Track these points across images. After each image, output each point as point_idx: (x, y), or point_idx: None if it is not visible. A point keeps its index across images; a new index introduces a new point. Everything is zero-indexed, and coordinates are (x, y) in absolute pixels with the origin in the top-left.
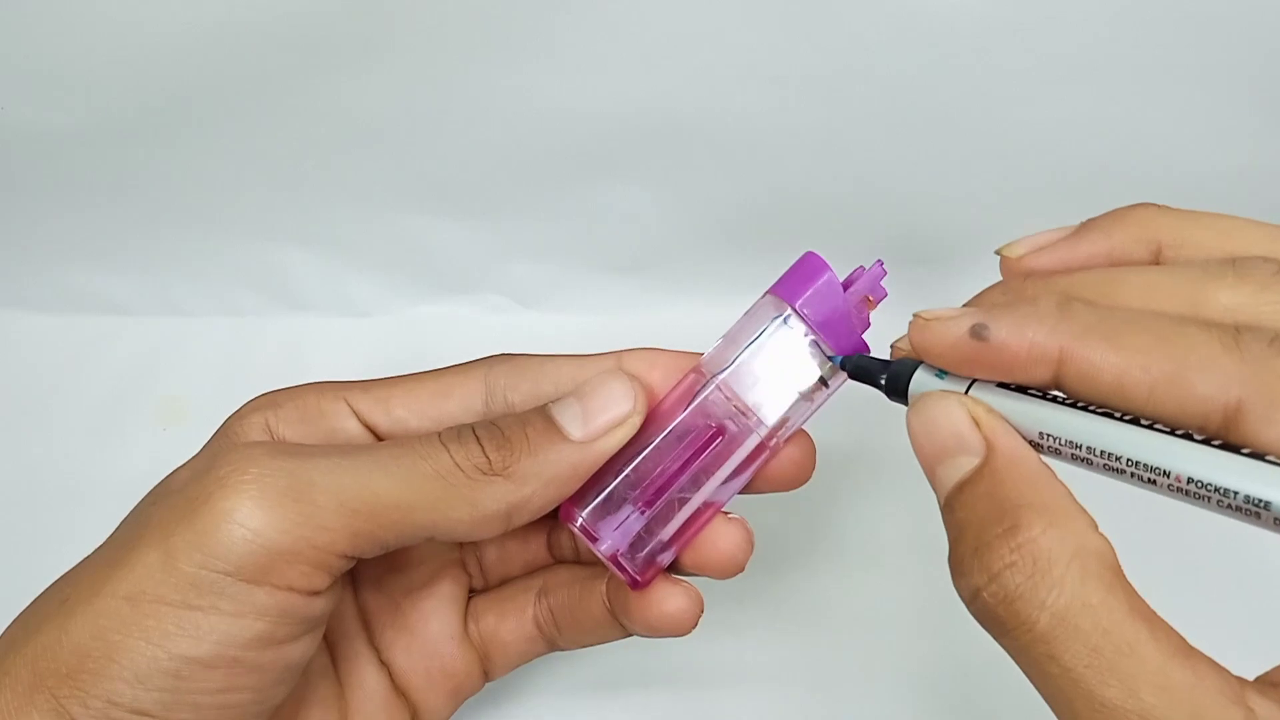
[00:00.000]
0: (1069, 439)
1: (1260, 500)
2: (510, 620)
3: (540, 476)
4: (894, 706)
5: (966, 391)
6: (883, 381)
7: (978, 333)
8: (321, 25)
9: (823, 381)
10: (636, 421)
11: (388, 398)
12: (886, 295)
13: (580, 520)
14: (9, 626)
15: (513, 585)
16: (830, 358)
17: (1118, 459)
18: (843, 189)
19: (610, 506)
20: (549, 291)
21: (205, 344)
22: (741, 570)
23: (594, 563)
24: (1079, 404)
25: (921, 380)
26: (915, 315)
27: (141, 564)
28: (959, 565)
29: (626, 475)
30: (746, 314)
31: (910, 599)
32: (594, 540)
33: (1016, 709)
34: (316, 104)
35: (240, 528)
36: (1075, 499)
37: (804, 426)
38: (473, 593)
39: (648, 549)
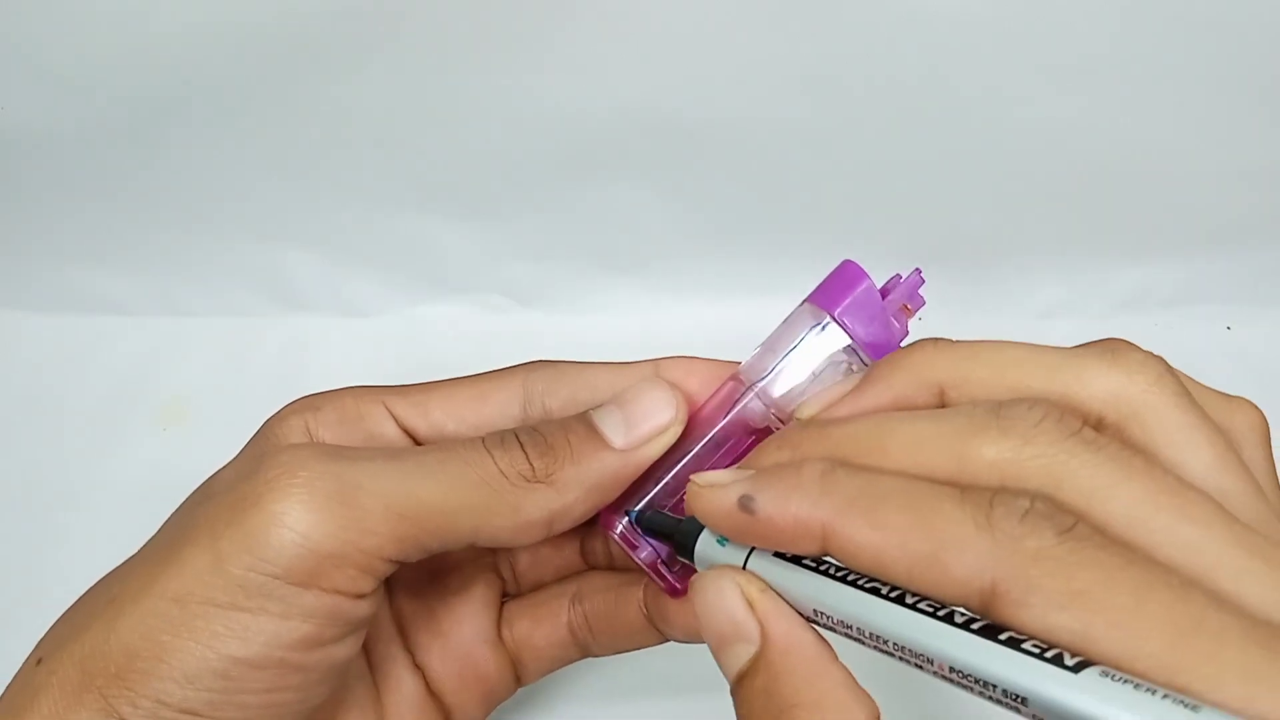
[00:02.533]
0: (840, 617)
1: (1017, 693)
2: (544, 625)
3: (582, 484)
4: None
5: (745, 560)
6: (674, 540)
7: (745, 504)
8: (322, 25)
9: None
10: (677, 430)
11: (425, 401)
12: (925, 304)
13: (619, 528)
14: (54, 625)
15: (547, 590)
16: (866, 363)
17: (885, 641)
18: (843, 189)
19: (649, 516)
20: (549, 291)
21: (205, 344)
22: None
23: (629, 568)
24: (853, 577)
25: (705, 546)
26: (691, 480)
27: (190, 565)
28: None
29: (666, 483)
30: (785, 322)
31: None
32: (633, 548)
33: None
34: (317, 104)
35: (289, 531)
36: (855, 687)
37: None
38: (505, 597)
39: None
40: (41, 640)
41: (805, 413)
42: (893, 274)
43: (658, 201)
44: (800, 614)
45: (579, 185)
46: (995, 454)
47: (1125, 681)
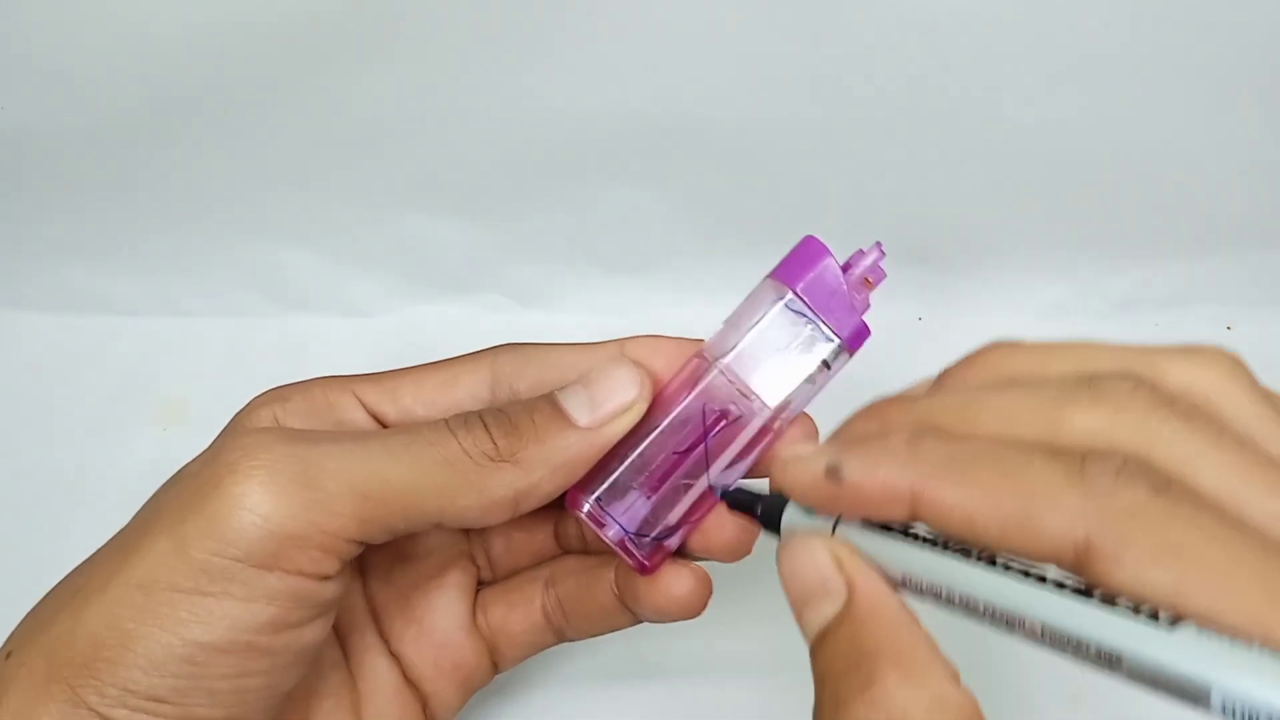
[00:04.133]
0: (929, 581)
1: (1111, 653)
2: (519, 610)
3: (547, 463)
4: None
5: (834, 529)
6: (759, 514)
7: (832, 473)
8: (322, 25)
9: (825, 364)
10: (642, 408)
11: (395, 388)
12: (885, 277)
13: (586, 507)
14: (24, 619)
15: (520, 576)
16: (830, 339)
17: (975, 603)
18: (843, 189)
19: (616, 492)
20: (549, 291)
21: (205, 344)
22: (749, 553)
23: (601, 551)
24: (941, 542)
25: (791, 518)
26: (775, 454)
27: (153, 551)
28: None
29: (632, 461)
30: (747, 299)
31: None
32: (600, 526)
33: (1017, 701)
34: (317, 104)
35: (250, 514)
36: (936, 648)
37: (806, 409)
38: (481, 585)
39: (654, 534)
40: (12, 633)
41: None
42: (895, 274)
43: (658, 201)
44: (888, 581)
45: (579, 185)
46: (1087, 421)
47: (1221, 637)
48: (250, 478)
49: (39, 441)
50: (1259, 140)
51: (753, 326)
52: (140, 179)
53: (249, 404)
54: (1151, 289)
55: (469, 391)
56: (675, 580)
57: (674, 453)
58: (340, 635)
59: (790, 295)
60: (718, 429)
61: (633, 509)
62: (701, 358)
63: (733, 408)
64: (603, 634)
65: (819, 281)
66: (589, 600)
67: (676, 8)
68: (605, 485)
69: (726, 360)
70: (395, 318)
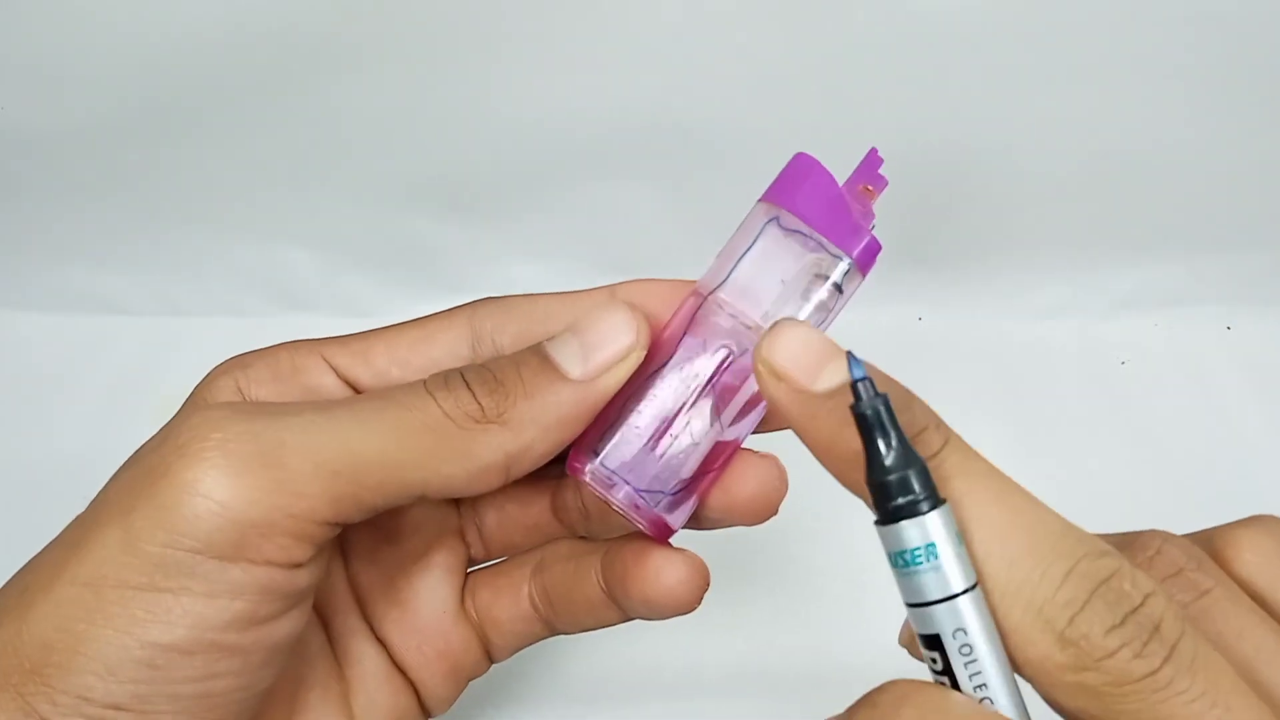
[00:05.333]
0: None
1: None
2: (505, 597)
3: (539, 421)
4: None
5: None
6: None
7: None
8: (322, 26)
9: (836, 287)
10: (639, 355)
11: (367, 350)
12: (888, 184)
13: (589, 469)
14: None
15: (510, 561)
16: (837, 257)
17: None
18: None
19: (621, 450)
20: (549, 291)
21: (205, 344)
22: (774, 513)
23: (598, 534)
24: None
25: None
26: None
27: (100, 545)
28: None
29: (634, 414)
30: (740, 227)
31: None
32: (608, 487)
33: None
34: (317, 104)
35: (205, 500)
36: None
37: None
38: (473, 566)
39: (668, 491)
40: None
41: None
42: (896, 274)
43: (658, 201)
44: None
45: (579, 185)
46: None
47: None
48: (203, 460)
49: (39, 441)
50: (1259, 140)
51: (746, 252)
52: (140, 179)
53: (209, 374)
54: (1151, 289)
55: (447, 349)
56: (666, 567)
57: (680, 401)
58: (323, 620)
59: (783, 213)
60: (724, 367)
61: (640, 467)
62: (697, 294)
63: (734, 345)
64: (594, 628)
65: (815, 196)
66: (575, 591)
67: (676, 8)
68: (609, 444)
69: (722, 293)
70: (395, 318)
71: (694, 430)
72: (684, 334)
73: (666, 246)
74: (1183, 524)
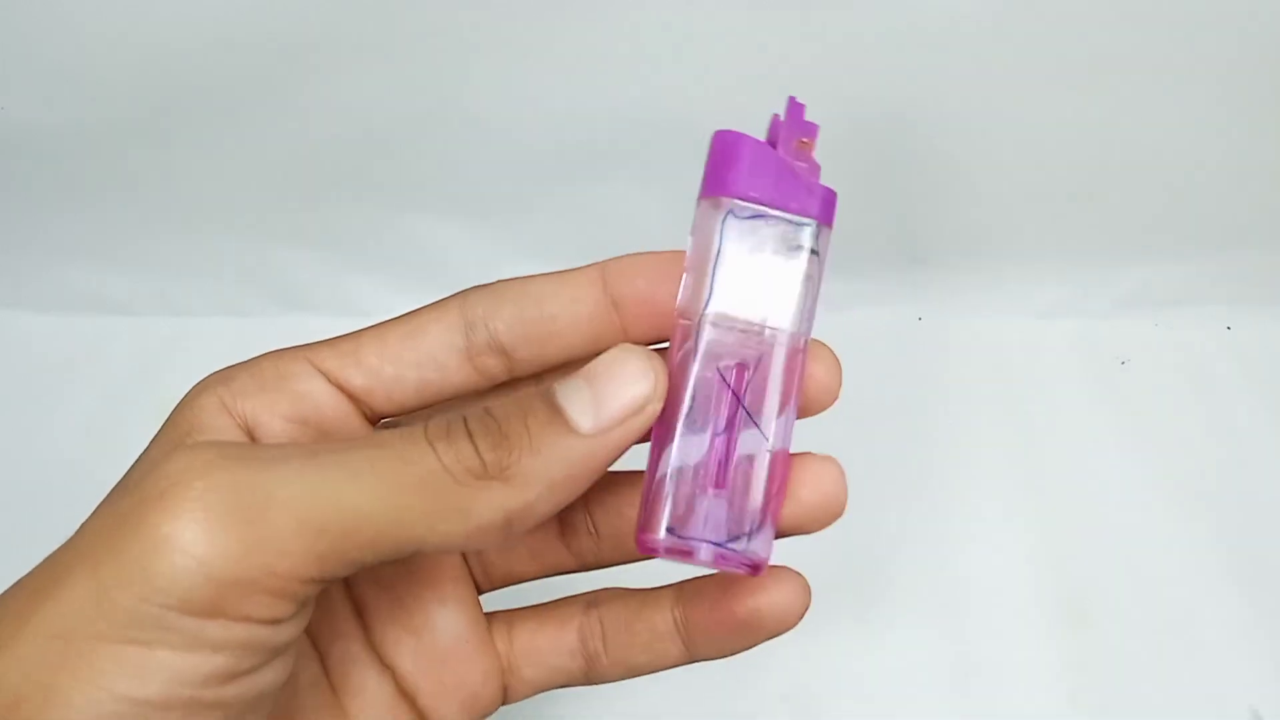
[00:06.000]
0: None
1: None
2: (550, 628)
3: (544, 478)
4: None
5: None
6: None
7: None
8: (322, 26)
9: (813, 252)
10: (656, 408)
11: (356, 349)
12: (819, 129)
13: (662, 544)
14: None
15: (562, 599)
16: (802, 224)
17: None
18: (842, 189)
19: (684, 509)
20: None
21: (205, 344)
22: (842, 513)
23: (606, 563)
24: None
25: None
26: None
27: (71, 597)
28: None
29: (680, 463)
30: (693, 233)
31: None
32: (687, 555)
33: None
34: (316, 104)
35: (183, 556)
36: None
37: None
38: (481, 593)
39: (748, 530)
40: None
41: None
42: (896, 274)
43: (658, 202)
44: None
45: (579, 185)
46: None
47: None
48: (182, 513)
49: (39, 442)
50: (1259, 140)
51: (717, 259)
52: (140, 179)
53: (190, 392)
54: (1151, 289)
55: (441, 340)
56: (771, 586)
57: (719, 435)
58: (319, 648)
59: (735, 203)
60: (747, 383)
61: (712, 516)
62: (684, 319)
63: (747, 355)
64: (643, 670)
65: (758, 172)
66: (637, 621)
67: (676, 8)
68: (668, 507)
69: (712, 309)
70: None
71: (745, 457)
72: (691, 365)
73: (666, 247)
74: (1182, 524)
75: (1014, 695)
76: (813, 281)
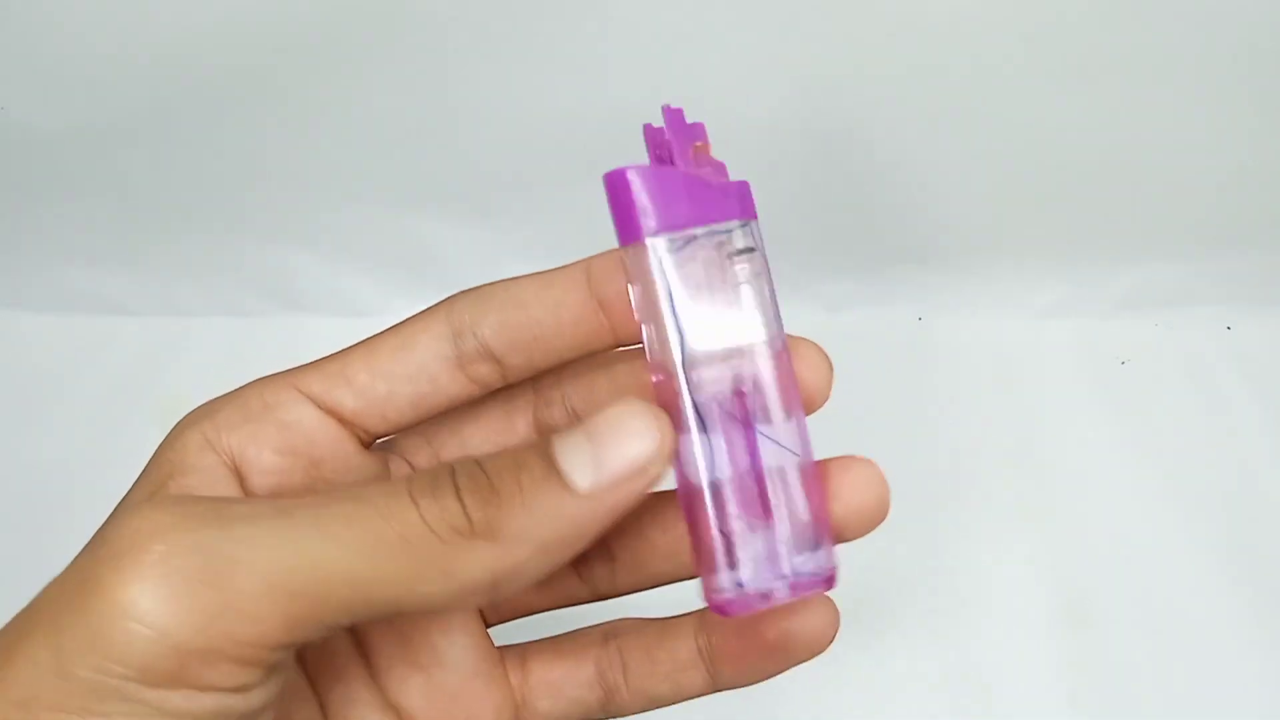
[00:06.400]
0: None
1: None
2: (567, 660)
3: (534, 539)
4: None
5: None
6: None
7: None
8: (322, 26)
9: (750, 250)
10: (660, 468)
11: (344, 369)
12: (704, 125)
13: (737, 601)
14: None
15: (578, 630)
16: (727, 228)
17: None
18: (842, 189)
19: (745, 556)
20: None
21: (205, 344)
22: (887, 514)
23: (621, 590)
24: None
25: None
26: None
27: (30, 665)
28: None
29: (720, 509)
30: (632, 283)
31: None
32: (767, 600)
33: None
34: (316, 104)
35: (139, 625)
36: None
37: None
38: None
39: (812, 545)
40: None
41: None
42: (897, 274)
43: None
44: None
45: (579, 185)
46: None
47: None
48: (140, 578)
49: (39, 442)
50: (1259, 140)
51: (671, 302)
52: (141, 179)
53: (174, 429)
54: (1151, 289)
55: (430, 350)
56: (804, 611)
57: (745, 464)
58: (318, 688)
59: (654, 241)
60: (753, 407)
61: (772, 552)
62: (660, 374)
63: (741, 377)
64: (664, 701)
65: (671, 198)
66: (659, 649)
67: (675, 8)
68: (725, 565)
69: (686, 353)
70: (395, 318)
71: (779, 477)
72: (695, 416)
73: None
74: (1182, 524)
75: (1014, 696)
76: (762, 277)
